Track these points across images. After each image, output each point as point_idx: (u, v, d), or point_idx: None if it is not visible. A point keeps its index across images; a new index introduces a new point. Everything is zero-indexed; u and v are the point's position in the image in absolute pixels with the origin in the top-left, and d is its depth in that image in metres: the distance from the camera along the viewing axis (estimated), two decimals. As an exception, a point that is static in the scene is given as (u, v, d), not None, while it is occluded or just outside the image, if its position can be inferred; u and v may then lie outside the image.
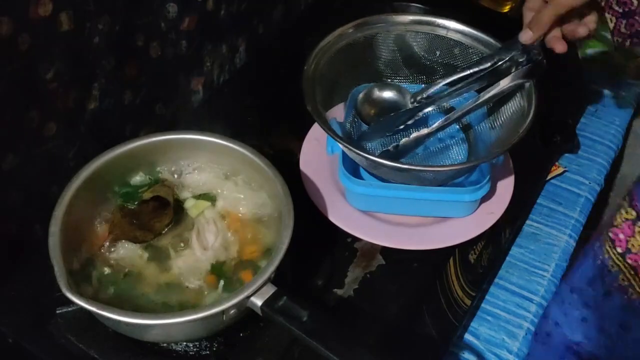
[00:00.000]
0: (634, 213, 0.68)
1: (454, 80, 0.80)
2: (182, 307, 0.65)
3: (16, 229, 0.73)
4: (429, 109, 0.82)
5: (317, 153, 0.84)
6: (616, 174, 1.23)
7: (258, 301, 0.62)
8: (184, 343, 0.67)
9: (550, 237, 0.94)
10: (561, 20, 0.70)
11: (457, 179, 0.80)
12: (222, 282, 0.67)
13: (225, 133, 0.75)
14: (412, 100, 0.83)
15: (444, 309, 0.78)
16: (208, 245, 0.70)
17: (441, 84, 0.81)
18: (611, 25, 0.66)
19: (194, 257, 0.69)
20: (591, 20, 0.70)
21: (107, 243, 0.69)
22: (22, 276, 0.72)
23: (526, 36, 0.72)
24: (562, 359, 0.69)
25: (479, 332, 0.84)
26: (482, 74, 0.79)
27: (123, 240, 0.69)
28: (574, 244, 0.93)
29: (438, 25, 0.82)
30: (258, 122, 0.92)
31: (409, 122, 0.83)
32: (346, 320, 0.72)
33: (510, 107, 0.79)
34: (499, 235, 0.84)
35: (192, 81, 0.92)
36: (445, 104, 0.84)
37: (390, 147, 0.81)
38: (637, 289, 0.72)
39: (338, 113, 0.83)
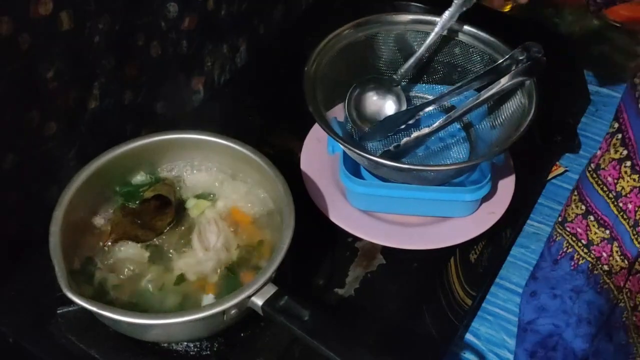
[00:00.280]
0: (583, 208, 0.69)
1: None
2: (184, 307, 0.65)
3: (16, 229, 0.72)
4: (430, 108, 0.82)
5: (318, 153, 0.84)
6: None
7: (259, 301, 0.62)
8: (185, 343, 0.67)
9: (551, 236, 0.94)
10: None
11: (458, 178, 0.80)
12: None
13: (226, 133, 0.75)
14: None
15: (444, 309, 0.78)
16: (210, 246, 0.70)
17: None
18: None
19: (195, 257, 0.69)
20: None
21: (109, 243, 0.69)
22: (23, 276, 0.72)
23: None
24: (523, 342, 0.70)
25: (479, 331, 0.84)
26: (482, 72, 0.79)
27: (125, 240, 0.69)
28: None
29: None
30: (259, 122, 0.92)
31: (410, 122, 0.83)
32: (347, 320, 0.72)
33: (511, 106, 0.79)
34: (499, 235, 0.84)
35: (192, 81, 0.92)
36: (445, 102, 0.84)
37: (391, 147, 0.81)
38: (582, 253, 0.72)
39: (339, 113, 0.83)
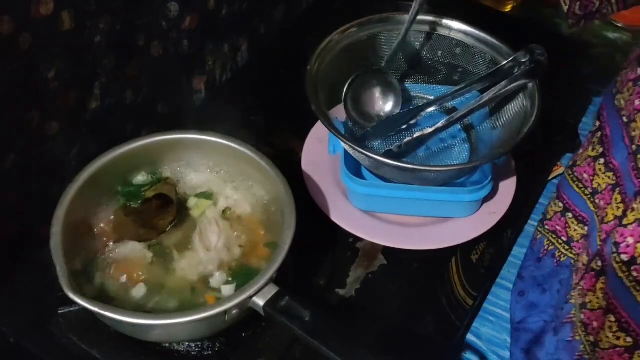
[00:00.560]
0: (561, 205, 0.69)
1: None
2: (185, 308, 0.65)
3: (17, 229, 0.72)
4: (432, 109, 0.82)
5: (319, 153, 0.84)
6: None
7: (260, 301, 0.62)
8: (186, 343, 0.67)
9: (551, 237, 0.94)
10: None
11: (459, 179, 0.80)
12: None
13: (227, 133, 0.75)
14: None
15: (445, 309, 0.78)
16: (211, 246, 0.70)
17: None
18: (565, 7, 0.66)
19: (197, 258, 0.69)
20: None
21: (112, 243, 0.69)
22: (24, 276, 0.72)
23: None
24: (518, 341, 0.70)
25: (481, 332, 0.84)
26: (484, 74, 0.79)
27: (127, 240, 0.69)
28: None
29: (440, 25, 0.82)
30: (260, 122, 0.92)
31: (412, 122, 0.83)
32: (348, 320, 0.72)
33: (513, 108, 0.79)
34: (500, 235, 0.84)
35: (193, 81, 0.92)
36: (447, 104, 0.84)
37: (393, 147, 0.81)
38: (563, 250, 0.73)
39: (339, 113, 0.83)
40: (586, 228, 0.72)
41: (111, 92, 0.77)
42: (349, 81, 0.81)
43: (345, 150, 0.79)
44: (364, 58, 0.83)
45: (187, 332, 0.65)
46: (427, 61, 0.85)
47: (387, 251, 0.78)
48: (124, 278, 0.67)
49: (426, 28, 0.83)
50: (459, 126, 0.85)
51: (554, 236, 0.71)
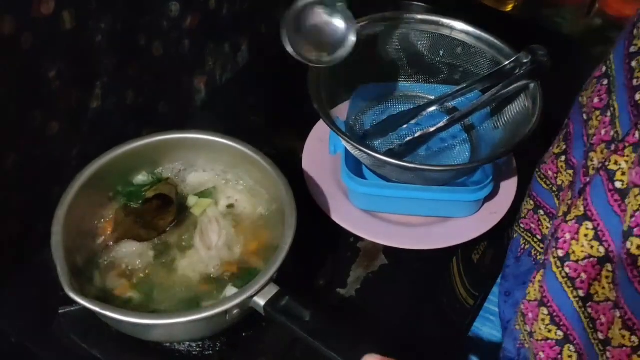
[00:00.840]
0: (532, 203, 0.69)
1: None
2: (186, 307, 0.65)
3: (19, 229, 0.72)
4: (432, 108, 0.82)
5: (320, 153, 0.84)
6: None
7: (261, 301, 0.62)
8: (187, 343, 0.67)
9: (552, 236, 0.94)
10: None
11: (460, 178, 0.80)
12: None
13: (227, 132, 0.75)
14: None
15: (446, 309, 0.78)
16: (212, 245, 0.70)
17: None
18: None
19: (198, 256, 0.69)
20: None
21: (111, 242, 0.69)
22: (25, 276, 0.72)
23: None
24: (516, 340, 0.70)
25: (482, 332, 0.84)
26: (486, 74, 0.79)
27: (127, 239, 0.69)
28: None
29: (442, 25, 0.82)
30: (260, 122, 0.92)
31: (412, 122, 0.83)
32: (348, 320, 0.72)
33: (514, 108, 0.79)
34: (501, 235, 0.84)
35: (194, 80, 0.92)
36: (448, 104, 0.84)
37: (393, 146, 0.81)
38: (538, 248, 0.73)
39: (341, 112, 0.83)
40: None
41: (112, 92, 0.77)
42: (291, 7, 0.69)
43: (346, 150, 0.79)
44: (364, 58, 0.83)
45: (188, 331, 0.65)
46: (428, 61, 0.85)
47: (388, 251, 0.78)
48: (124, 277, 0.67)
49: (427, 28, 0.83)
50: (459, 126, 0.85)
51: (529, 235, 0.71)
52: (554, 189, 0.67)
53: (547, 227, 0.72)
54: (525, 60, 0.76)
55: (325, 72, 0.78)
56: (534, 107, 0.75)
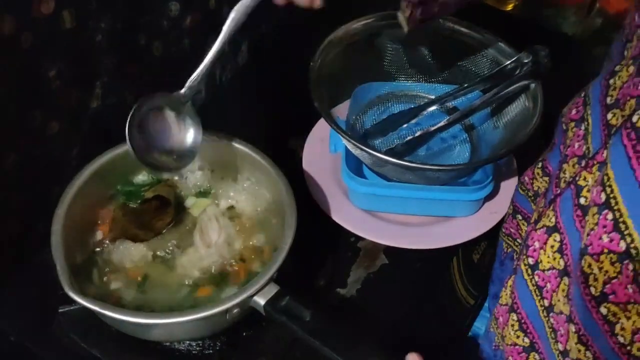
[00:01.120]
0: (511, 207, 0.70)
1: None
2: (186, 306, 0.65)
3: (18, 229, 0.72)
4: (433, 108, 0.82)
5: (320, 152, 0.84)
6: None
7: (261, 300, 0.62)
8: (187, 342, 0.67)
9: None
10: None
11: (461, 178, 0.80)
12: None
13: (227, 132, 0.75)
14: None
15: (447, 309, 0.78)
16: (211, 243, 0.70)
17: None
18: (407, 12, 0.64)
19: (197, 254, 0.69)
20: None
21: (107, 241, 0.69)
22: (24, 275, 0.72)
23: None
24: (491, 342, 0.71)
25: (482, 332, 0.84)
26: (487, 74, 0.79)
27: (123, 239, 0.69)
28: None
29: (442, 24, 0.82)
30: (260, 121, 0.92)
31: (413, 121, 0.83)
32: (349, 320, 0.72)
33: (515, 108, 0.79)
34: (502, 234, 0.84)
35: (194, 80, 0.92)
36: (449, 103, 0.84)
37: (394, 146, 0.81)
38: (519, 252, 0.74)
39: (341, 111, 0.82)
40: None
41: (112, 92, 0.77)
42: (134, 108, 0.64)
43: (346, 149, 0.79)
44: (365, 57, 0.83)
45: (187, 331, 0.65)
46: (429, 60, 0.85)
47: (388, 250, 0.78)
48: (124, 276, 0.67)
49: (428, 27, 0.83)
50: (460, 126, 0.85)
51: (510, 239, 0.72)
52: (530, 194, 0.67)
53: (526, 232, 0.72)
54: (525, 60, 0.76)
55: (326, 71, 0.78)
56: (534, 107, 0.75)
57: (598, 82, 0.51)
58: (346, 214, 0.79)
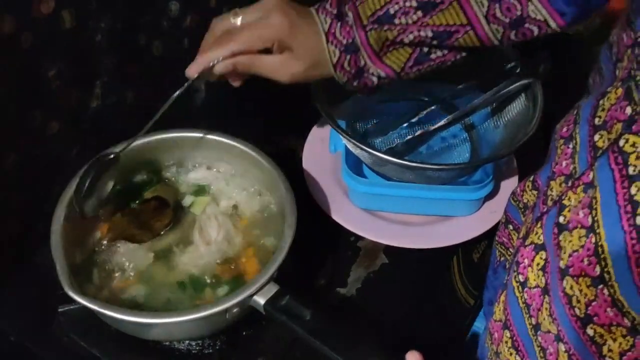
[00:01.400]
0: (504, 217, 0.70)
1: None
2: (186, 305, 0.65)
3: (18, 229, 0.72)
4: (433, 107, 0.82)
5: (320, 152, 0.84)
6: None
7: (261, 300, 0.61)
8: (187, 342, 0.67)
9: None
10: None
11: (461, 178, 0.80)
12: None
13: (227, 131, 0.75)
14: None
15: (447, 308, 0.78)
16: (211, 240, 0.70)
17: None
18: (334, 59, 0.64)
19: (197, 253, 0.69)
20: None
21: (105, 242, 0.69)
22: (24, 275, 0.72)
23: (189, 70, 0.65)
24: (484, 357, 0.71)
25: (482, 331, 0.83)
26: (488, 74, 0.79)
27: (121, 240, 0.69)
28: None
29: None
30: (261, 121, 0.92)
31: (413, 120, 0.83)
32: (349, 320, 0.72)
33: (515, 107, 0.79)
34: (502, 234, 0.84)
35: (194, 79, 0.92)
36: (449, 103, 0.84)
37: (394, 145, 0.81)
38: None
39: (340, 111, 0.82)
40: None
41: (112, 92, 0.77)
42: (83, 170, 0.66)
43: (346, 149, 0.79)
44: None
45: (187, 330, 0.65)
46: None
47: (389, 250, 0.78)
48: (124, 276, 0.67)
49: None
50: (460, 125, 0.85)
51: (503, 248, 0.72)
52: (520, 205, 0.67)
53: (516, 242, 0.72)
54: (526, 60, 0.76)
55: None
56: (534, 106, 0.75)
57: (589, 102, 0.51)
58: (346, 214, 0.79)
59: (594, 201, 0.44)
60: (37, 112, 0.68)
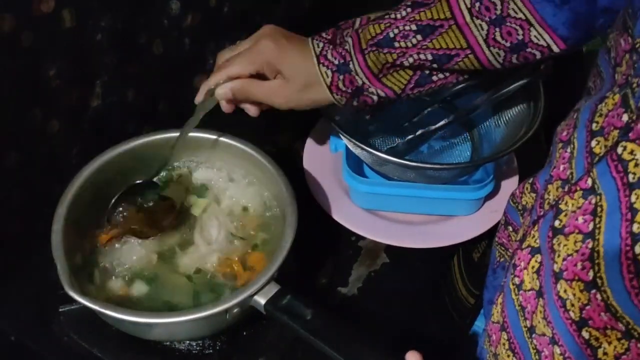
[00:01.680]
0: (504, 218, 0.70)
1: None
2: (186, 305, 0.65)
3: (19, 228, 0.72)
4: (434, 107, 0.82)
5: (321, 151, 0.84)
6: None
7: (262, 300, 0.61)
8: (187, 342, 0.67)
9: (554, 235, 0.93)
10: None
11: (462, 177, 0.80)
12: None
13: (228, 131, 0.75)
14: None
15: (447, 308, 0.78)
16: (212, 240, 0.70)
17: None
18: (327, 80, 0.66)
19: (198, 253, 0.69)
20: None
21: (110, 238, 0.69)
22: (25, 274, 0.72)
23: (196, 99, 0.70)
24: (483, 358, 0.71)
25: (482, 331, 0.83)
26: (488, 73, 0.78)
27: (127, 237, 0.69)
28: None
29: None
30: (261, 120, 0.92)
31: (414, 120, 0.83)
32: (350, 319, 0.71)
33: (516, 107, 0.78)
34: (503, 233, 0.83)
35: (195, 79, 0.92)
36: (450, 102, 0.84)
37: (395, 145, 0.81)
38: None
39: (340, 111, 0.82)
40: None
41: (112, 91, 0.77)
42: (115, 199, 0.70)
43: (347, 148, 0.78)
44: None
45: (188, 330, 0.65)
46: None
47: (389, 249, 0.78)
48: (124, 275, 0.67)
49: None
50: (461, 125, 0.85)
51: (503, 248, 0.72)
52: (519, 207, 0.67)
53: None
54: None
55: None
56: (535, 106, 0.75)
57: (589, 105, 0.51)
58: (347, 213, 0.79)
59: (599, 209, 0.44)
60: (37, 111, 0.68)
